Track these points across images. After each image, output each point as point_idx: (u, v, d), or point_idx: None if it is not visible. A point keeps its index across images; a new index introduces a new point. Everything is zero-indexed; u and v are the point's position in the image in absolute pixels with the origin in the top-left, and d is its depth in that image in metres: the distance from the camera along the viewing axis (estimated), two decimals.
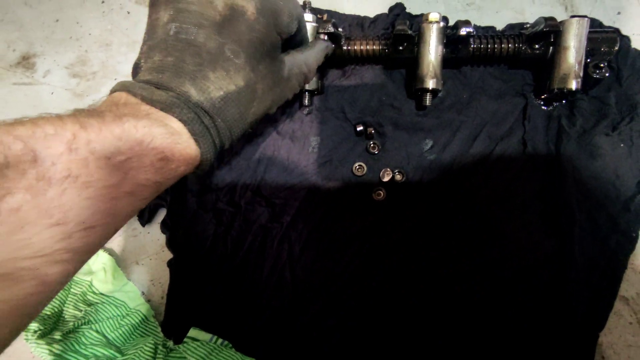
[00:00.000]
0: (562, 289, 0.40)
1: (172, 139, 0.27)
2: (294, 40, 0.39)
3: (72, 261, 0.23)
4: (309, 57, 0.39)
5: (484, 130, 0.45)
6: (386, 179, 0.45)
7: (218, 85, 0.30)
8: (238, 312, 0.46)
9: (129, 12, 0.61)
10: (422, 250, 0.44)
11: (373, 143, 0.46)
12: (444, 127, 0.46)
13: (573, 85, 0.40)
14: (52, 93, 0.60)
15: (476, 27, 0.49)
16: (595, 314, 0.39)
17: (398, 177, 0.45)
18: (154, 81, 0.30)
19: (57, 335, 0.39)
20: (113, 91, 0.30)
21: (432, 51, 0.42)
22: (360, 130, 0.46)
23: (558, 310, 0.41)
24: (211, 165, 0.32)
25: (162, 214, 0.51)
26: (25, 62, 0.63)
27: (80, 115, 0.24)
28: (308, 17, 0.43)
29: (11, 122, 0.22)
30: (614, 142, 0.42)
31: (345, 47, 0.45)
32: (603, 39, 0.41)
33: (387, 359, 0.43)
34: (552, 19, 0.40)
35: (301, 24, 0.38)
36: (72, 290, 0.46)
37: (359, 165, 0.46)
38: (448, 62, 0.44)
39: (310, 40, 0.42)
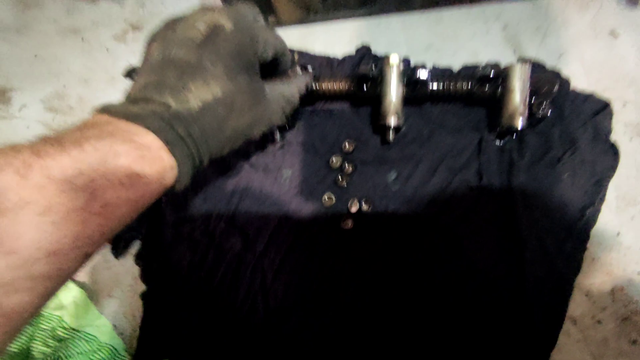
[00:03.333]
0: (518, 311, 0.43)
1: (139, 153, 0.27)
2: (274, 72, 0.41)
3: (34, 290, 0.22)
4: (290, 85, 0.41)
5: (443, 162, 0.48)
6: (354, 209, 0.48)
7: (197, 95, 0.31)
8: (213, 341, 0.47)
9: (108, 50, 0.63)
10: (390, 277, 0.46)
11: (341, 175, 0.49)
12: (407, 160, 0.49)
13: (519, 123, 0.44)
14: (28, 127, 0.61)
15: (435, 68, 0.53)
16: (547, 334, 0.42)
17: (365, 207, 0.48)
18: (134, 97, 0.31)
19: None
20: (93, 113, 0.31)
21: (393, 91, 0.45)
22: (336, 164, 0.49)
23: (516, 331, 0.43)
24: (191, 181, 0.32)
25: (135, 246, 0.52)
26: (1, 96, 0.64)
27: (38, 143, 0.25)
28: None
29: None
30: (558, 173, 0.46)
31: (314, 86, 0.49)
32: (545, 80, 0.46)
33: None
34: (496, 65, 0.44)
35: (280, 57, 0.39)
36: (41, 325, 0.45)
37: (328, 196, 0.48)
38: (409, 99, 0.48)
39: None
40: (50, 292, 0.25)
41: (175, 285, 0.47)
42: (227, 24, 0.33)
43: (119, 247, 0.51)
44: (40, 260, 0.22)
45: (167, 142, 0.29)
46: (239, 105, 0.34)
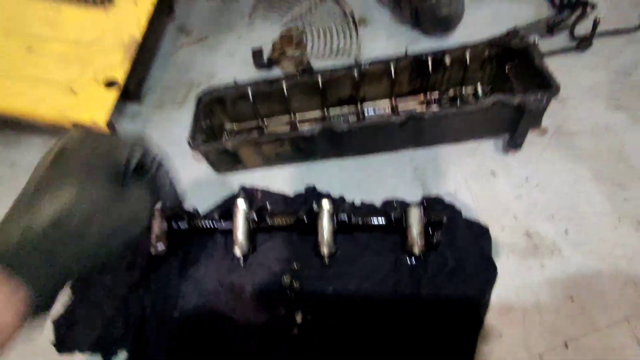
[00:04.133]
0: None
1: None
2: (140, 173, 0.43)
3: None
4: (151, 184, 0.44)
5: (369, 278, 0.63)
6: (298, 318, 0.61)
7: (48, 206, 0.34)
8: None
9: None
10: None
11: (290, 291, 0.63)
12: (341, 277, 0.64)
13: (416, 250, 0.60)
14: None
15: (362, 203, 0.71)
16: None
17: (308, 316, 0.61)
18: None
19: None
20: None
21: (326, 228, 0.61)
22: (286, 282, 0.64)
23: None
24: (53, 292, 0.35)
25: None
26: None
27: None
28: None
29: None
30: (453, 285, 0.61)
31: (270, 221, 0.65)
32: (436, 214, 0.63)
33: None
34: (398, 210, 0.62)
35: (145, 162, 0.42)
36: None
37: (280, 307, 0.62)
38: (341, 231, 0.64)
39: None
40: None
41: None
42: (71, 146, 0.39)
43: (109, 354, 0.62)
44: None
45: (13, 274, 0.31)
46: (95, 208, 0.37)
